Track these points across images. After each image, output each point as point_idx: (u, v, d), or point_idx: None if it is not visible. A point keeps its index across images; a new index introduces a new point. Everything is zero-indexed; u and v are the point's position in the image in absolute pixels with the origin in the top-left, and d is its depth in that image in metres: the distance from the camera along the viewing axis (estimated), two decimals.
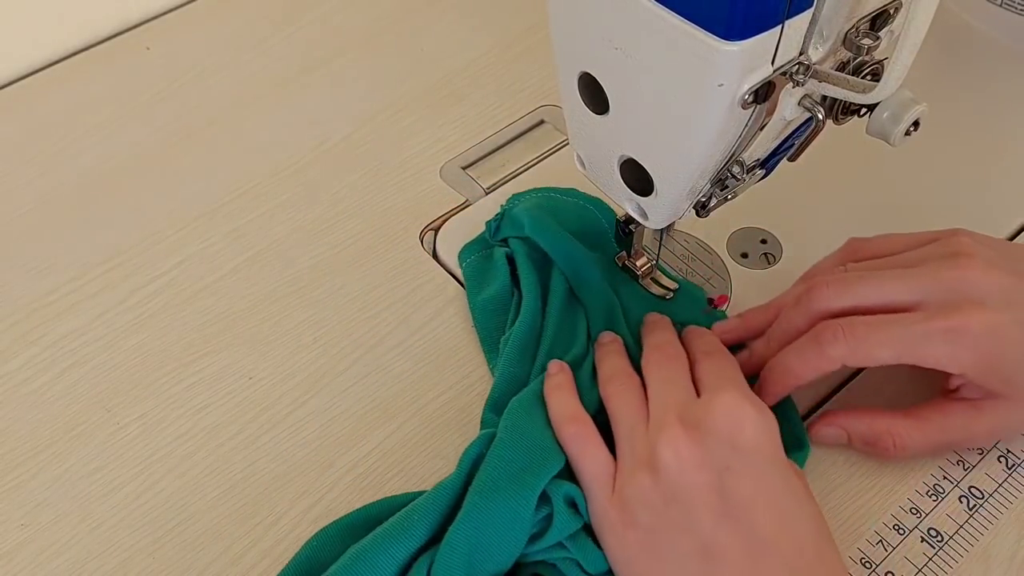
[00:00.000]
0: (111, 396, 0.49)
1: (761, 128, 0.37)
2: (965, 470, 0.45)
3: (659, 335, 0.46)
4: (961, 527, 0.43)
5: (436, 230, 0.56)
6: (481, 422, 0.46)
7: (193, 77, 0.66)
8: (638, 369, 0.45)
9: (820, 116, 0.37)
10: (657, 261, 0.50)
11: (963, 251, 0.42)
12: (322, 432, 0.48)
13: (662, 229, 0.47)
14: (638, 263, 0.49)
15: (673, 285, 0.49)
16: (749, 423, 0.38)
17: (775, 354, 0.44)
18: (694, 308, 0.49)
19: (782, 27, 0.33)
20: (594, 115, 0.40)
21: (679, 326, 0.47)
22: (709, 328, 0.47)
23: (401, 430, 0.47)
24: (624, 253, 0.50)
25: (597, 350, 0.47)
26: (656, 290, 0.49)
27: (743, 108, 0.35)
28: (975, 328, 0.40)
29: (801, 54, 0.35)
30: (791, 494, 0.38)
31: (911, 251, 0.44)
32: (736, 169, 0.39)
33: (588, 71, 0.39)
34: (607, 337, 0.47)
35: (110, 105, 0.64)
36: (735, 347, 0.46)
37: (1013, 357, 0.41)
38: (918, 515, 0.44)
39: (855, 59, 0.36)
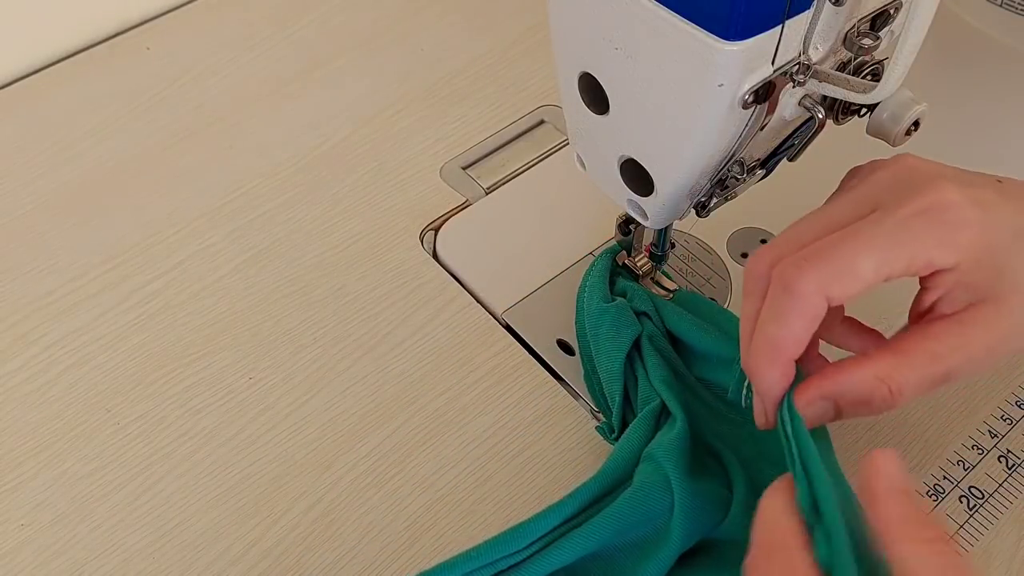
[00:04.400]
0: (111, 396, 0.49)
1: (761, 128, 0.37)
2: (965, 470, 0.45)
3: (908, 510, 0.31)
4: (961, 527, 0.43)
5: (436, 230, 0.56)
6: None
7: (193, 77, 0.66)
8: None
9: (820, 116, 0.37)
10: (662, 266, 0.50)
11: (888, 160, 0.36)
12: (322, 432, 0.48)
13: (664, 229, 0.47)
14: (638, 262, 0.49)
15: (673, 286, 0.49)
16: None
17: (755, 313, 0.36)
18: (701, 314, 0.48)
19: (782, 27, 0.33)
20: (594, 115, 0.40)
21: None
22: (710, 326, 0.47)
23: (401, 430, 0.47)
24: (624, 252, 0.50)
25: None
26: (656, 291, 0.49)
27: (743, 108, 0.35)
28: (955, 199, 0.33)
29: (801, 54, 0.35)
30: None
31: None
32: (736, 169, 0.39)
33: (588, 71, 0.39)
34: None
35: (110, 105, 0.64)
36: None
37: (1003, 237, 0.34)
38: None
39: (855, 59, 0.36)
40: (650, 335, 0.46)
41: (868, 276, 0.33)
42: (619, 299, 0.48)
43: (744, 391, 0.42)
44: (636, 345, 0.46)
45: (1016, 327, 0.35)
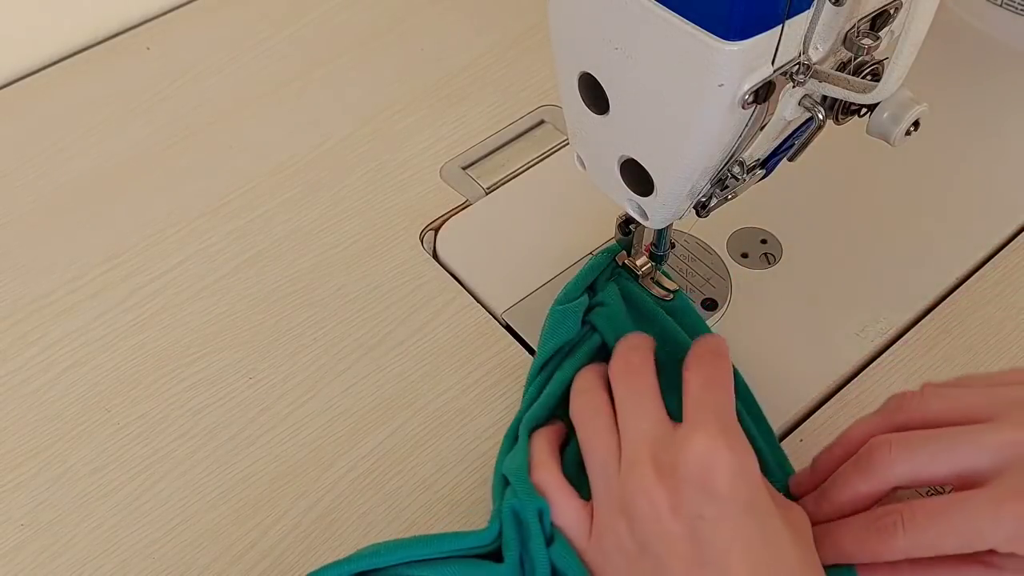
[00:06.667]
0: (111, 396, 0.49)
1: (761, 128, 0.37)
2: None
3: (629, 341, 0.43)
4: None
5: (436, 230, 0.56)
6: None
7: (193, 77, 0.66)
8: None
9: (820, 116, 0.37)
10: (662, 266, 0.50)
11: None
12: (322, 432, 0.48)
13: (664, 229, 0.47)
14: (638, 263, 0.49)
15: (674, 286, 0.49)
16: (723, 469, 0.36)
17: (826, 516, 0.40)
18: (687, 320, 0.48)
19: (782, 27, 0.33)
20: (594, 115, 0.40)
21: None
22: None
23: (401, 430, 0.47)
24: (624, 252, 0.50)
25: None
26: (656, 291, 0.49)
27: (743, 108, 0.35)
28: None
29: (801, 54, 0.35)
30: (768, 541, 0.36)
31: (982, 392, 0.39)
32: (736, 169, 0.39)
33: (588, 71, 0.39)
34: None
35: (110, 105, 0.64)
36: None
37: None
38: None
39: (855, 59, 0.36)
40: (578, 345, 0.47)
41: (949, 551, 0.36)
42: (580, 299, 0.48)
43: None
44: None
45: None
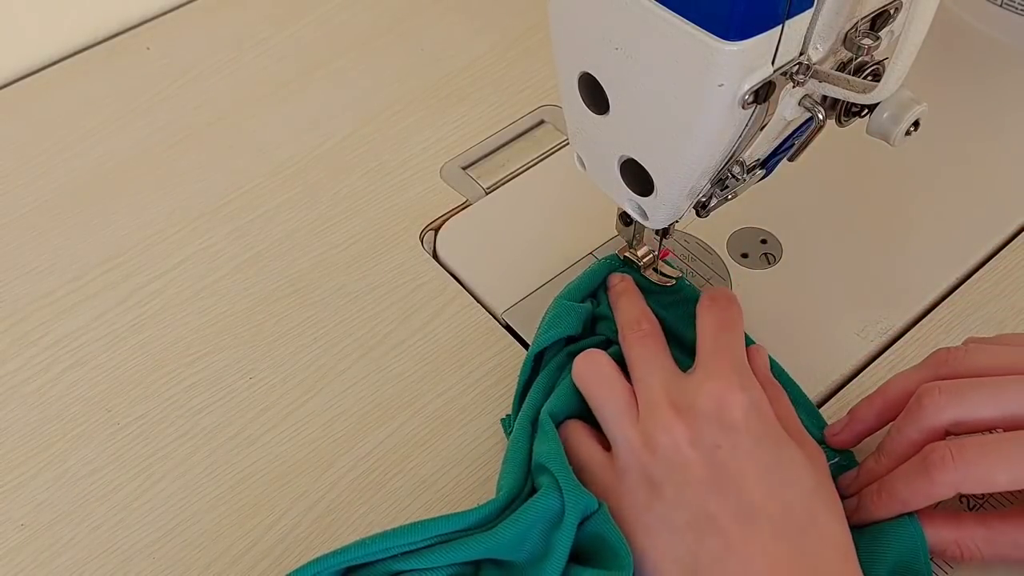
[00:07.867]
0: (111, 396, 0.49)
1: (761, 128, 0.37)
2: None
3: (629, 310, 0.46)
4: None
5: (436, 230, 0.56)
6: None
7: (193, 77, 0.66)
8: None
9: (820, 116, 0.37)
10: (655, 265, 0.50)
11: None
12: (322, 432, 0.48)
13: (662, 230, 0.47)
14: (639, 253, 0.49)
15: (676, 273, 0.49)
16: (737, 405, 0.39)
17: (886, 469, 0.41)
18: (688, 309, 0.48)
19: (782, 27, 0.33)
20: (594, 115, 0.40)
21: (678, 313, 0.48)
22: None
23: (401, 430, 0.47)
24: (626, 245, 0.50)
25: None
26: (659, 279, 0.49)
27: (743, 108, 0.35)
28: None
29: (801, 54, 0.35)
30: (783, 466, 0.38)
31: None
32: (736, 169, 0.39)
33: (588, 71, 0.39)
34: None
35: (110, 105, 0.64)
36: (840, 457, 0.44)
37: None
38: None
39: (855, 59, 0.36)
40: (572, 352, 0.47)
41: (1001, 486, 0.37)
42: (585, 304, 0.48)
43: None
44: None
45: None
